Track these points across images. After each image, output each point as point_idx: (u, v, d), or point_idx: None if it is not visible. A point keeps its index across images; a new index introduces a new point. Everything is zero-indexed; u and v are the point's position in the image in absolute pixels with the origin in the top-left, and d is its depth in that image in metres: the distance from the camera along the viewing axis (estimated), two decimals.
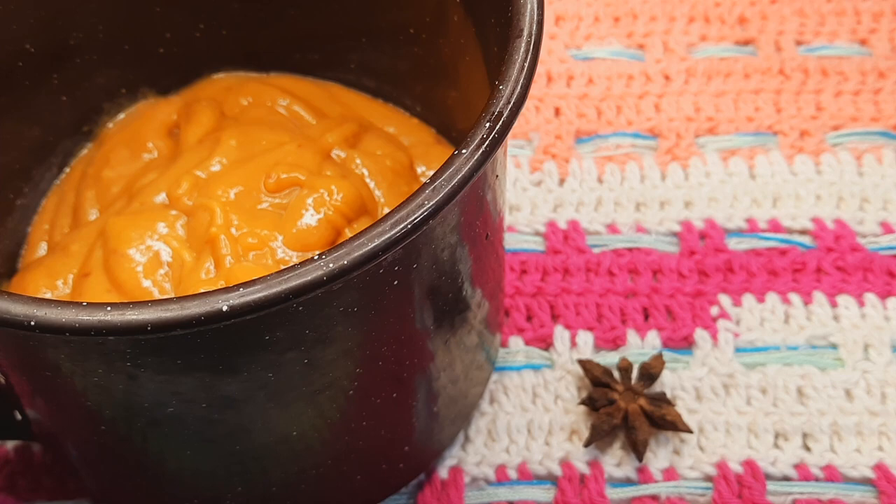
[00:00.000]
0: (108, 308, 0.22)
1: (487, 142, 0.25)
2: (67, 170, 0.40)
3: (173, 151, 0.39)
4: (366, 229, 0.23)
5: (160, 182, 0.36)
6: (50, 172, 0.40)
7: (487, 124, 0.25)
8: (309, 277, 0.22)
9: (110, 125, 0.41)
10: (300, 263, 0.23)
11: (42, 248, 0.39)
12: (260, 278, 0.22)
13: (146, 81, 0.41)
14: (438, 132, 0.40)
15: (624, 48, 0.50)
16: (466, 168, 0.24)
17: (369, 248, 0.23)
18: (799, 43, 0.50)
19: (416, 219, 0.23)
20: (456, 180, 0.24)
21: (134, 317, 0.22)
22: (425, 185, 0.24)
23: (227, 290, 0.22)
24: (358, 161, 0.36)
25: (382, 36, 0.39)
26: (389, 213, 0.24)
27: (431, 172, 0.38)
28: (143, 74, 0.40)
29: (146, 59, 0.40)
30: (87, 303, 0.22)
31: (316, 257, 0.23)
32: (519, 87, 0.26)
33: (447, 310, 0.31)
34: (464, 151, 0.25)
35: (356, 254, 0.23)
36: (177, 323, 0.22)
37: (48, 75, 0.37)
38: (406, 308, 0.28)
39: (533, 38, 0.27)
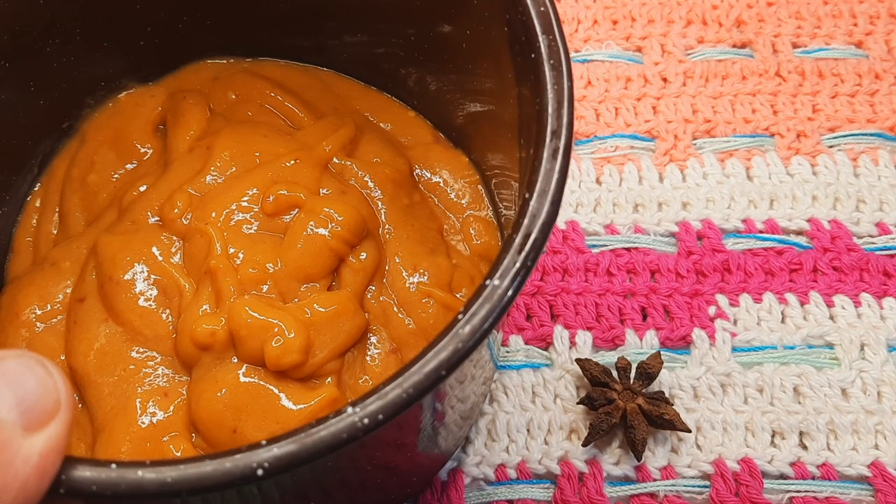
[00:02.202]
0: (140, 472, 0.21)
1: (520, 275, 0.24)
2: (48, 168, 0.38)
3: (161, 154, 0.37)
4: (400, 375, 0.22)
5: (152, 197, 0.34)
6: (31, 174, 0.38)
7: (517, 251, 0.24)
8: (344, 435, 0.22)
9: (91, 118, 0.39)
10: (334, 415, 0.22)
11: (28, 256, 0.37)
12: (294, 438, 0.21)
13: (127, 73, 0.39)
14: (435, 126, 0.39)
15: (622, 51, 0.51)
16: (503, 302, 0.23)
17: (404, 398, 0.22)
18: (795, 45, 0.51)
19: (451, 362, 0.23)
20: (489, 321, 0.23)
21: (167, 482, 0.21)
22: (457, 323, 0.23)
23: (259, 447, 0.22)
24: (357, 171, 0.35)
25: (376, 20, 0.37)
26: (420, 360, 0.23)
27: (431, 176, 0.37)
28: (123, 67, 0.38)
29: (126, 52, 0.38)
30: (117, 464, 0.22)
31: (349, 410, 0.22)
32: (549, 205, 0.24)
33: (469, 391, 0.30)
34: (496, 282, 0.23)
35: (391, 406, 0.22)
36: (211, 487, 0.22)
37: (25, 85, 0.36)
38: (429, 409, 0.28)
39: (563, 142, 0.25)
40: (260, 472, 0.21)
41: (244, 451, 0.21)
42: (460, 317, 0.23)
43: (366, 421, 0.22)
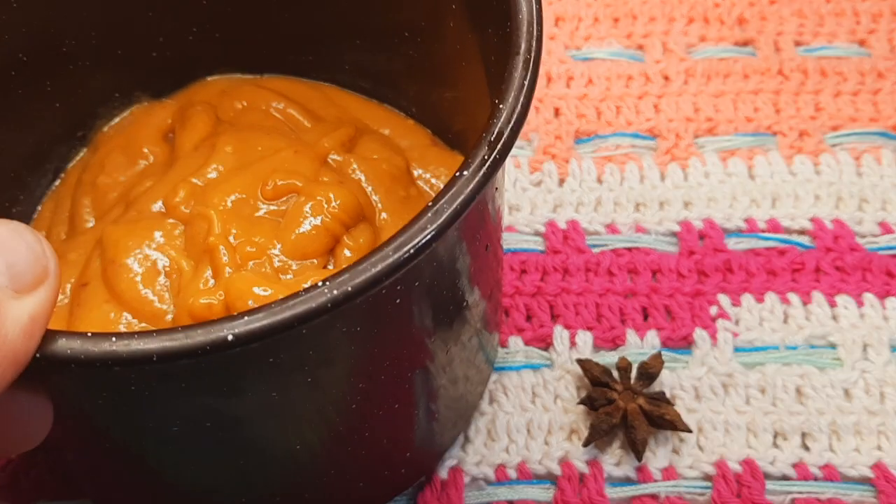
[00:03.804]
0: (114, 339, 0.22)
1: (488, 163, 0.25)
2: (62, 175, 0.40)
3: (169, 157, 0.38)
4: (369, 254, 0.23)
5: (157, 190, 0.36)
6: (45, 178, 0.40)
7: (487, 145, 0.25)
8: (314, 304, 0.22)
9: (105, 129, 0.40)
10: (305, 290, 0.23)
11: None
12: (264, 306, 0.22)
13: (140, 85, 0.41)
14: (434, 133, 0.40)
15: (623, 49, 0.50)
16: (468, 190, 0.24)
17: (372, 273, 0.23)
18: (798, 43, 0.50)
19: (418, 243, 0.23)
20: (458, 203, 0.24)
21: (139, 347, 0.22)
22: (427, 208, 0.24)
23: (231, 318, 0.22)
24: (354, 165, 0.36)
25: (377, 38, 0.39)
26: (392, 237, 0.24)
27: (428, 175, 0.38)
28: (136, 78, 0.40)
29: (139, 63, 0.40)
30: (92, 333, 0.22)
31: (320, 284, 0.23)
32: (519, 108, 0.26)
33: (448, 320, 0.31)
34: (465, 173, 0.25)
35: (360, 279, 0.23)
36: (182, 353, 0.22)
37: (41, 83, 0.37)
38: (407, 324, 0.28)
39: (532, 55, 0.27)
40: (230, 337, 0.22)
41: (217, 321, 0.22)
42: (430, 204, 0.24)
43: (335, 292, 0.22)
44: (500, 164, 0.25)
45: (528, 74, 0.27)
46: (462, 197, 0.24)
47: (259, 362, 0.25)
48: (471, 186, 0.24)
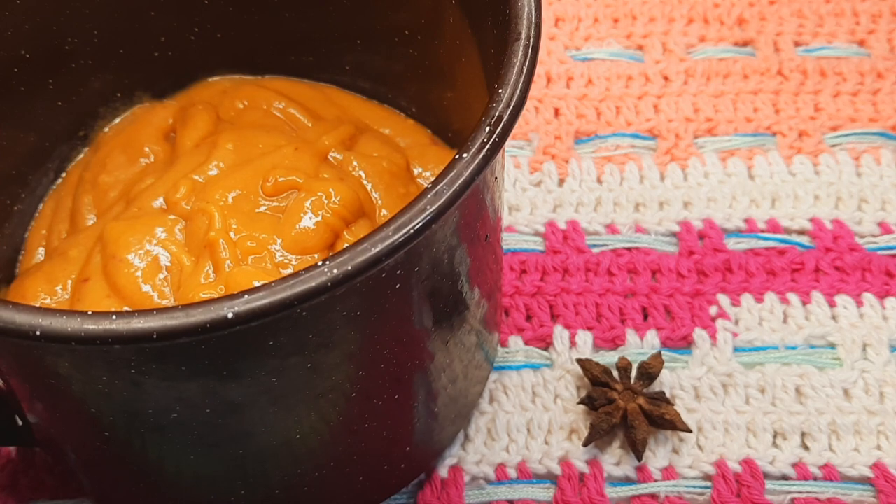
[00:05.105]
0: (114, 317, 0.22)
1: (488, 146, 0.25)
2: (64, 175, 0.40)
3: (170, 156, 0.39)
4: (369, 234, 0.23)
5: (158, 187, 0.36)
6: (47, 178, 0.40)
7: (487, 128, 0.25)
8: (314, 283, 0.23)
9: (106, 129, 0.41)
10: (305, 269, 0.23)
11: (40, 254, 0.39)
12: (264, 285, 0.22)
13: (141, 85, 0.41)
14: (434, 133, 0.41)
15: (623, 49, 0.50)
16: (467, 172, 0.24)
17: (373, 253, 0.23)
18: (797, 44, 0.50)
19: (418, 223, 0.24)
20: (457, 185, 0.24)
21: (139, 325, 0.22)
22: (427, 190, 0.24)
23: (231, 297, 0.22)
24: (354, 163, 0.36)
25: (377, 38, 0.39)
26: (392, 217, 0.24)
27: (428, 173, 0.38)
28: (138, 78, 0.41)
29: (141, 63, 0.40)
30: (92, 312, 0.22)
31: (320, 263, 0.23)
32: (518, 91, 0.26)
33: (447, 311, 0.31)
34: (465, 156, 0.25)
35: (360, 259, 0.23)
36: (182, 331, 0.22)
37: (44, 81, 0.37)
38: (407, 310, 0.28)
39: (531, 41, 0.27)
40: (230, 315, 0.22)
41: (218, 300, 0.22)
42: (429, 186, 0.24)
43: (335, 271, 0.23)
44: (500, 147, 0.25)
45: (528, 60, 0.27)
46: (462, 179, 0.24)
47: (259, 345, 0.25)
48: (470, 169, 0.24)
